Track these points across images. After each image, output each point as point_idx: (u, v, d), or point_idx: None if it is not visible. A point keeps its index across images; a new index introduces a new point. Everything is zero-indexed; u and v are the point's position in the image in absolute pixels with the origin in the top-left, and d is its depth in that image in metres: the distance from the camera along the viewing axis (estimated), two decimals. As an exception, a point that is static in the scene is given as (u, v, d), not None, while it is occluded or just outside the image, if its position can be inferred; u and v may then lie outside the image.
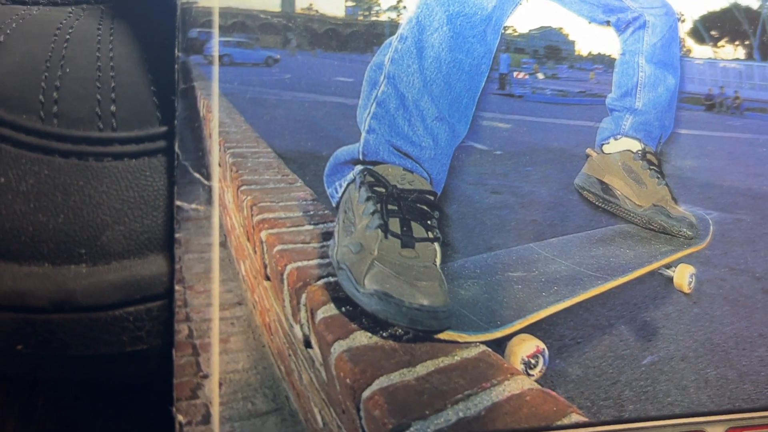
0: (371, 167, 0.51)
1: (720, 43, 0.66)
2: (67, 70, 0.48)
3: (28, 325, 0.44)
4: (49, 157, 0.45)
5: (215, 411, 0.45)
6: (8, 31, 0.49)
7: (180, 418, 0.44)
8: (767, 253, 0.61)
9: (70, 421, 0.53)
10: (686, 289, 0.61)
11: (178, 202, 0.46)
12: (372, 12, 0.56)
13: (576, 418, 0.41)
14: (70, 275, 0.45)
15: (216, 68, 0.48)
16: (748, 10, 0.66)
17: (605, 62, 0.64)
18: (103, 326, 0.45)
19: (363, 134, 0.52)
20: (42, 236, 0.45)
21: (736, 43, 0.67)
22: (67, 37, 0.50)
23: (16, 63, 0.47)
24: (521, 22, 0.58)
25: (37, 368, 0.47)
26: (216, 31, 0.48)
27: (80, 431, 0.54)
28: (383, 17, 0.56)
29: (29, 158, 0.45)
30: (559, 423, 0.41)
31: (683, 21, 0.65)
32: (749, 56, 0.67)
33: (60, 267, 0.45)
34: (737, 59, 0.67)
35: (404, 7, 0.55)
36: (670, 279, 0.62)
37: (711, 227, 0.62)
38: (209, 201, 0.47)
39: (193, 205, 0.46)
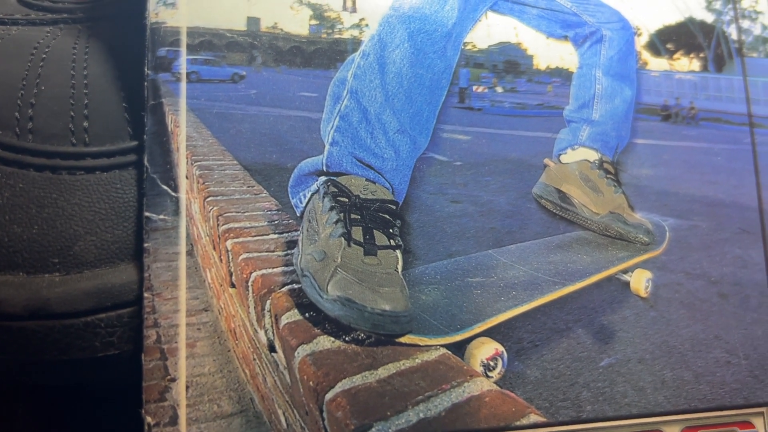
0: (335, 178, 0.52)
1: (676, 56, 0.68)
2: (42, 87, 0.49)
3: (4, 331, 0.46)
4: (23, 171, 0.47)
5: (182, 413, 0.46)
6: (-13, 51, 0.51)
7: (149, 419, 0.45)
8: (722, 258, 0.62)
9: (43, 423, 0.54)
10: (643, 294, 0.61)
11: (147, 213, 0.48)
12: (335, 30, 0.57)
13: (534, 418, 0.42)
14: (44, 284, 0.46)
15: (184, 85, 0.49)
16: (702, 24, 0.67)
17: (563, 75, 0.65)
18: (77, 332, 0.47)
19: (327, 146, 0.53)
20: (17, 246, 0.46)
21: (691, 55, 0.68)
22: (44, 56, 0.51)
23: (-6, 82, 0.49)
24: (481, 37, 0.60)
25: (14, 374, 0.48)
26: (184, 49, 0.50)
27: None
28: (346, 35, 0.57)
29: (5, 172, 0.47)
30: (517, 423, 0.42)
31: (640, 35, 0.66)
32: (704, 68, 0.68)
33: (34, 276, 0.47)
34: (692, 71, 0.69)
35: (366, 25, 0.56)
36: (627, 284, 0.62)
37: (667, 233, 0.63)
38: (177, 212, 0.48)
39: (162, 216, 0.48)
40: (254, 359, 0.53)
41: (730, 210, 0.64)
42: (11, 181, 0.47)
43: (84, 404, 0.54)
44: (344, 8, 0.57)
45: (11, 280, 0.46)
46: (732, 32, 0.67)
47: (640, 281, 0.62)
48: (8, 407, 0.54)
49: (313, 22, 0.57)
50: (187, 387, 0.47)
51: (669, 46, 0.67)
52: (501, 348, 0.50)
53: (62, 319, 0.46)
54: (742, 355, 0.57)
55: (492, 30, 0.60)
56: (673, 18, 0.66)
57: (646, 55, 0.67)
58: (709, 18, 0.67)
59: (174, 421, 0.46)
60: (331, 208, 0.50)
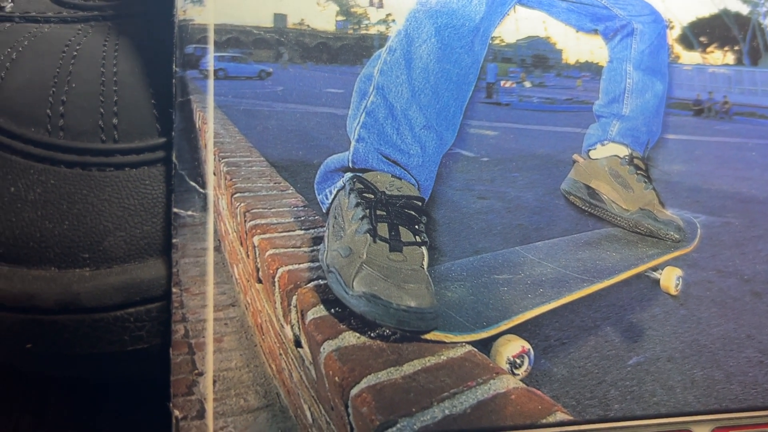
0: (360, 174, 0.52)
1: (709, 49, 0.66)
2: (73, 85, 0.50)
3: (36, 325, 0.47)
4: (55, 168, 0.48)
5: (209, 407, 0.47)
6: (20, 49, 0.52)
7: (176, 413, 0.46)
8: (755, 256, 0.61)
9: (72, 415, 0.56)
10: (673, 292, 0.60)
11: (175, 209, 0.48)
12: (362, 25, 0.57)
13: (561, 416, 0.41)
14: (75, 278, 0.47)
15: (211, 82, 0.50)
16: (737, 16, 0.66)
17: (592, 70, 0.64)
18: (106, 326, 0.48)
19: (353, 143, 0.53)
20: (48, 242, 0.47)
21: (726, 48, 0.67)
22: (75, 53, 0.52)
23: (26, 79, 0.50)
24: (509, 32, 0.59)
25: (46, 366, 0.50)
26: (211, 46, 0.50)
27: (84, 425, 0.56)
28: (373, 30, 0.57)
29: (37, 169, 0.48)
30: (543, 421, 0.41)
31: (672, 28, 0.65)
32: (738, 61, 0.67)
33: (65, 270, 0.48)
34: (726, 64, 0.67)
35: (393, 21, 0.56)
36: (657, 281, 0.62)
37: (699, 230, 0.62)
38: (204, 208, 0.49)
39: (189, 212, 0.48)
40: (280, 354, 0.53)
41: (763, 206, 0.63)
42: (43, 177, 0.48)
43: (113, 397, 0.55)
44: (371, 4, 0.57)
45: (43, 274, 0.47)
46: (768, 24, 0.66)
47: (671, 279, 0.61)
48: (39, 399, 0.55)
49: (340, 18, 0.57)
50: (215, 381, 0.47)
51: (702, 39, 0.66)
52: (528, 345, 0.50)
53: (92, 314, 0.47)
54: (776, 354, 0.56)
55: (520, 24, 0.59)
56: (706, 10, 0.65)
57: (678, 49, 0.66)
58: (744, 9, 0.66)
59: (201, 414, 0.46)
60: (357, 205, 0.50)
